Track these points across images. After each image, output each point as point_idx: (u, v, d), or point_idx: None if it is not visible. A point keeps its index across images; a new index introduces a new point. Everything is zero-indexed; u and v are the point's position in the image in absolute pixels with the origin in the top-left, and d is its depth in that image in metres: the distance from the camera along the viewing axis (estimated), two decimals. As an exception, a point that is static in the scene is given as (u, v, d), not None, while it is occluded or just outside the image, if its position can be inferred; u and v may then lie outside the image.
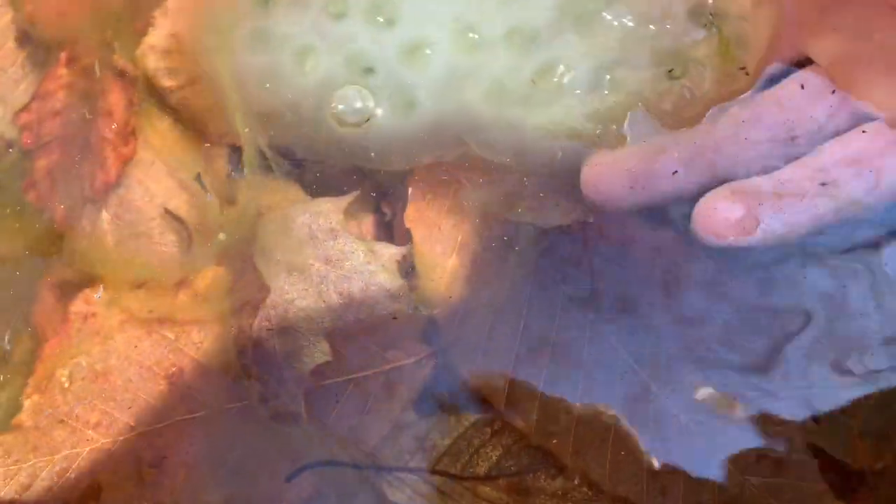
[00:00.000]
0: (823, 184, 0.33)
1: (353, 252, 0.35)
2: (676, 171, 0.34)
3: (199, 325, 0.36)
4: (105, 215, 0.38)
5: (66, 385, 0.35)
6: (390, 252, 0.36)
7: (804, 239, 0.34)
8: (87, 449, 0.35)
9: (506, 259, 0.36)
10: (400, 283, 0.35)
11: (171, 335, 0.36)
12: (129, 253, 0.38)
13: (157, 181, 0.39)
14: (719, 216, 0.33)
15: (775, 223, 0.33)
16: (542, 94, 0.34)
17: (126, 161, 0.38)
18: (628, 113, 0.33)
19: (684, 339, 0.36)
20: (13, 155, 0.40)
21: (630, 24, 0.34)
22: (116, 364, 0.36)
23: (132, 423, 0.35)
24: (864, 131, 0.33)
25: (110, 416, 0.35)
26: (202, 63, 0.36)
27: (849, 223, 0.34)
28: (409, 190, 0.37)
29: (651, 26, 0.34)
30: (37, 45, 0.41)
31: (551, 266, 0.36)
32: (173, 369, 0.35)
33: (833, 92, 0.34)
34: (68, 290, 0.37)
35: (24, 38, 0.41)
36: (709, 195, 0.33)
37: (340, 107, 0.35)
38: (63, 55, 0.40)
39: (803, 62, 0.35)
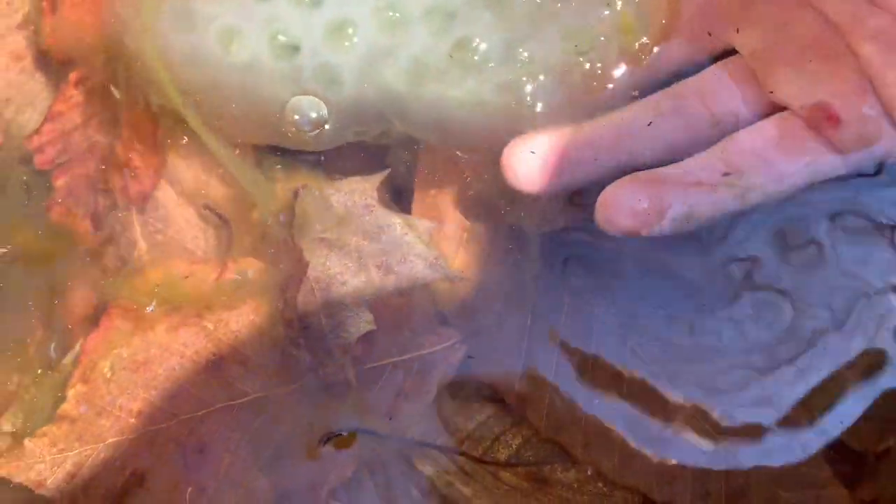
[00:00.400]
0: (727, 174, 0.33)
1: (389, 225, 0.37)
2: (596, 159, 0.34)
3: (237, 313, 0.37)
4: (137, 223, 0.39)
5: (109, 375, 0.36)
6: (425, 225, 0.37)
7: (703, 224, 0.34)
8: (131, 437, 0.36)
9: (511, 253, 0.38)
10: (436, 252, 0.37)
11: (210, 325, 0.37)
12: (163, 257, 0.39)
13: (189, 179, 0.40)
14: (624, 206, 0.33)
15: (679, 213, 0.33)
16: (459, 68, 0.35)
17: (159, 169, 0.39)
18: (538, 84, 0.34)
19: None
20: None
21: (538, 0, 0.35)
22: (157, 354, 0.37)
23: (174, 412, 0.36)
24: (774, 122, 0.34)
25: (152, 405, 0.36)
26: (128, 43, 0.37)
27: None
28: (415, 182, 0.38)
29: (558, 4, 0.35)
30: (49, 68, 0.42)
31: (556, 260, 0.38)
32: (213, 358, 0.36)
33: (752, 83, 0.34)
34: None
35: (39, 60, 0.42)
36: (614, 185, 0.33)
37: (296, 117, 0.36)
38: (73, 76, 0.41)
39: (728, 52, 0.35)
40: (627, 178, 0.34)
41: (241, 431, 0.36)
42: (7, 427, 0.37)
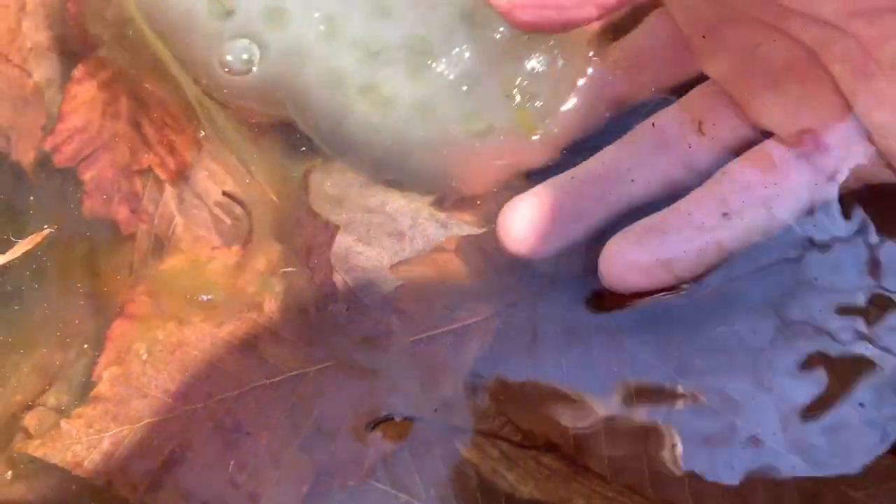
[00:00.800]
0: (726, 214, 0.33)
1: (390, 198, 0.38)
2: (588, 211, 0.34)
3: (269, 294, 0.38)
4: (172, 200, 0.40)
5: (145, 357, 0.37)
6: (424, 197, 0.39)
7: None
8: (168, 416, 0.36)
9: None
10: (444, 214, 0.38)
11: (243, 307, 0.38)
12: (195, 240, 0.39)
13: (219, 164, 0.40)
14: (627, 263, 0.33)
15: (687, 264, 0.33)
16: (367, 102, 0.37)
17: (195, 140, 0.40)
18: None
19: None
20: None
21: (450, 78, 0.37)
22: (192, 336, 0.37)
23: (211, 391, 0.37)
24: (764, 154, 0.33)
25: (189, 385, 0.37)
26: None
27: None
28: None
29: (464, 86, 0.37)
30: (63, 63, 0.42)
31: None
32: (247, 338, 0.37)
33: (729, 110, 0.34)
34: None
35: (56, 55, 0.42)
36: (612, 242, 0.33)
37: (228, 57, 0.38)
38: (78, 72, 0.41)
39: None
40: (622, 233, 0.33)
41: (279, 409, 0.36)
42: (52, 402, 0.37)
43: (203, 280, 0.38)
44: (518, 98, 0.37)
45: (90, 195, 0.39)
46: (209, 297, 0.37)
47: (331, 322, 0.37)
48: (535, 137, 0.37)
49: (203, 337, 0.37)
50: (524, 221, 0.34)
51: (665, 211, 0.34)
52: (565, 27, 0.32)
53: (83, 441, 0.36)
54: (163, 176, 0.39)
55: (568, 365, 0.36)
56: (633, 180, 0.34)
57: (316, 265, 0.37)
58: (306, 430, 0.36)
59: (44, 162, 0.40)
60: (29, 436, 0.36)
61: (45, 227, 0.38)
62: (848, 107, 0.32)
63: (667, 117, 0.35)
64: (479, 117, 0.37)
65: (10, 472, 0.35)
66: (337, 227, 0.38)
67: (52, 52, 0.42)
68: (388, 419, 0.36)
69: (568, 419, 0.36)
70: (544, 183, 0.35)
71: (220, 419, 0.36)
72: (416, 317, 0.37)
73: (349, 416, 0.36)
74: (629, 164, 0.35)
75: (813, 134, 0.33)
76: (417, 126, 0.37)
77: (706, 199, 0.34)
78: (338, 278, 0.37)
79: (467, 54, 0.37)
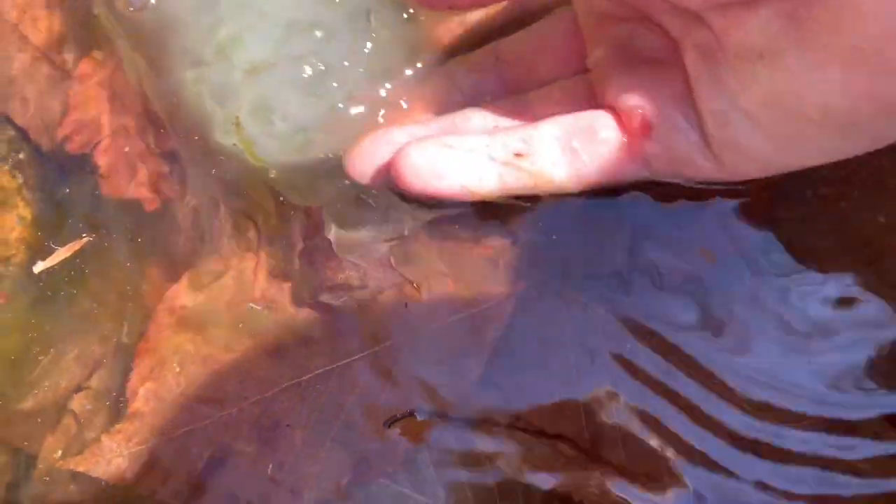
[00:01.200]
0: (519, 155, 0.35)
1: None
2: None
3: (289, 294, 0.39)
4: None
5: (178, 370, 0.38)
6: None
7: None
8: (205, 423, 0.37)
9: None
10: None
11: (265, 310, 0.39)
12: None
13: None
14: (409, 165, 0.35)
15: (455, 183, 0.35)
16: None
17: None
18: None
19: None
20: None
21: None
22: (222, 344, 0.39)
23: (244, 395, 0.38)
24: (583, 117, 0.35)
25: (223, 391, 0.38)
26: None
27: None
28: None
29: None
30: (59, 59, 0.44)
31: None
32: (275, 340, 0.39)
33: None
34: (166, 281, 0.40)
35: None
36: (408, 147, 0.35)
37: None
38: (82, 68, 0.43)
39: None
40: (417, 141, 0.35)
41: (311, 406, 0.38)
42: (95, 384, 0.38)
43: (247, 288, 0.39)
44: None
45: (108, 179, 0.41)
46: (254, 306, 0.39)
47: (349, 316, 0.39)
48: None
49: (233, 345, 0.38)
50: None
51: (474, 135, 0.36)
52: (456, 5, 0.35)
53: (125, 454, 0.37)
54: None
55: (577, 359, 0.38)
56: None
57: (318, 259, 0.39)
58: (339, 424, 0.38)
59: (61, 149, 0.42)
60: (76, 419, 0.37)
61: (84, 235, 0.40)
62: (689, 95, 0.33)
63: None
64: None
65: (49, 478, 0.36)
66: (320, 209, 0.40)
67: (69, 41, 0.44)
68: (408, 416, 0.37)
69: (581, 416, 0.37)
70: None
71: (256, 420, 0.37)
72: (432, 301, 0.39)
73: (378, 408, 0.38)
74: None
75: (642, 112, 0.34)
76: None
77: (510, 135, 0.36)
78: (345, 266, 0.39)
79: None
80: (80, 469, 0.37)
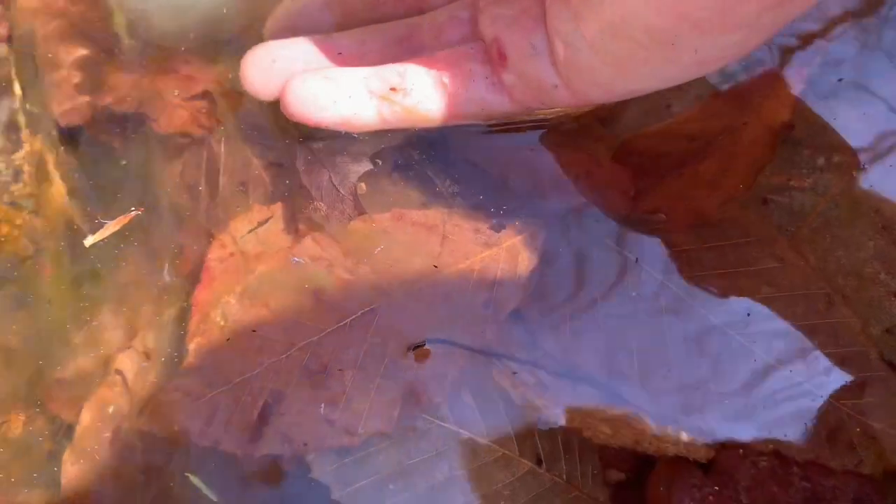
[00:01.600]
0: (394, 89, 0.36)
1: None
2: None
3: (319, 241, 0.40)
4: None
5: (223, 324, 0.39)
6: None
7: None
8: (256, 371, 0.39)
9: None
10: None
11: (300, 259, 0.40)
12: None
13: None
14: (294, 96, 0.36)
15: (341, 112, 0.36)
16: None
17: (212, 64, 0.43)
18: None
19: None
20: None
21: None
22: (261, 295, 0.40)
23: (291, 341, 0.39)
24: (455, 53, 0.36)
25: (270, 340, 0.39)
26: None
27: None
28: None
29: None
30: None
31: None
32: (313, 287, 0.40)
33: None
34: (204, 239, 0.41)
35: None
36: (293, 79, 0.36)
37: None
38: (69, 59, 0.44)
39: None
40: (301, 73, 0.37)
41: (357, 347, 0.39)
42: (140, 347, 0.39)
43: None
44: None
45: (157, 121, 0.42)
46: (299, 259, 0.40)
47: (385, 258, 0.39)
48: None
49: (273, 291, 0.39)
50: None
51: (358, 69, 0.37)
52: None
53: (186, 410, 0.38)
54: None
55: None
56: None
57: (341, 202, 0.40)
58: (385, 360, 0.39)
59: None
60: (123, 378, 0.38)
61: (133, 208, 0.41)
62: (544, 20, 0.34)
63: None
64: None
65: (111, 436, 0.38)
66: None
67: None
68: (428, 343, 0.38)
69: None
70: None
71: (307, 364, 0.38)
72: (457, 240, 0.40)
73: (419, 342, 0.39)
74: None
75: (497, 42, 0.35)
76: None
77: (386, 70, 0.37)
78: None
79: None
80: (146, 429, 0.38)
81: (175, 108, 0.43)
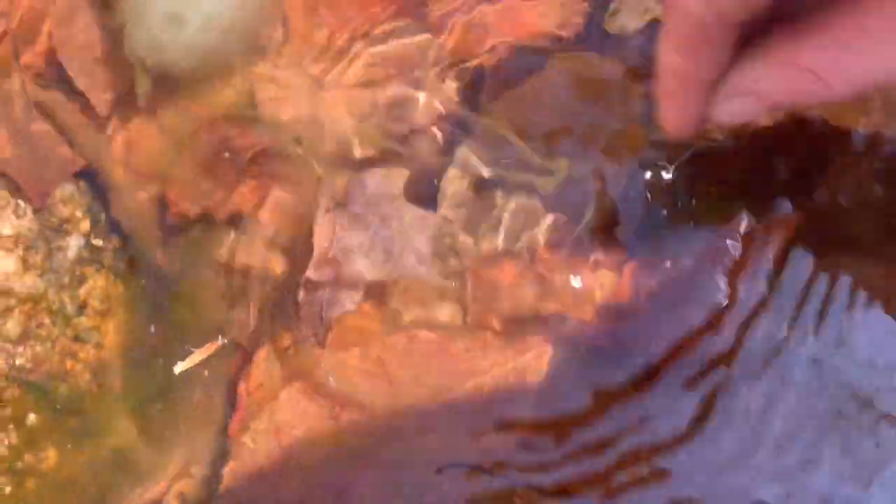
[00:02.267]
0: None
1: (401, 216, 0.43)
2: None
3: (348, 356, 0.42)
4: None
5: (252, 447, 0.42)
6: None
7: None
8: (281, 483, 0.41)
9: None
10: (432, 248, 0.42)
11: (329, 380, 0.42)
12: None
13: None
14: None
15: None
16: None
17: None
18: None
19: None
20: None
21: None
22: (284, 421, 0.42)
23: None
24: None
25: (288, 454, 0.42)
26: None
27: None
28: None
29: None
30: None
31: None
32: (331, 416, 0.42)
33: None
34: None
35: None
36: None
37: None
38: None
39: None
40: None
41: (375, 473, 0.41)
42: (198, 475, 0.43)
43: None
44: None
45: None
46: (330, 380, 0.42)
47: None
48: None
49: (293, 417, 0.42)
50: None
51: None
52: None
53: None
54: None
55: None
56: None
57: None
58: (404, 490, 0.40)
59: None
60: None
61: (220, 338, 0.45)
62: None
63: None
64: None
65: None
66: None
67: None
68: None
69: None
70: None
71: (327, 487, 0.41)
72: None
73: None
74: None
75: None
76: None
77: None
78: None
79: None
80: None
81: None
